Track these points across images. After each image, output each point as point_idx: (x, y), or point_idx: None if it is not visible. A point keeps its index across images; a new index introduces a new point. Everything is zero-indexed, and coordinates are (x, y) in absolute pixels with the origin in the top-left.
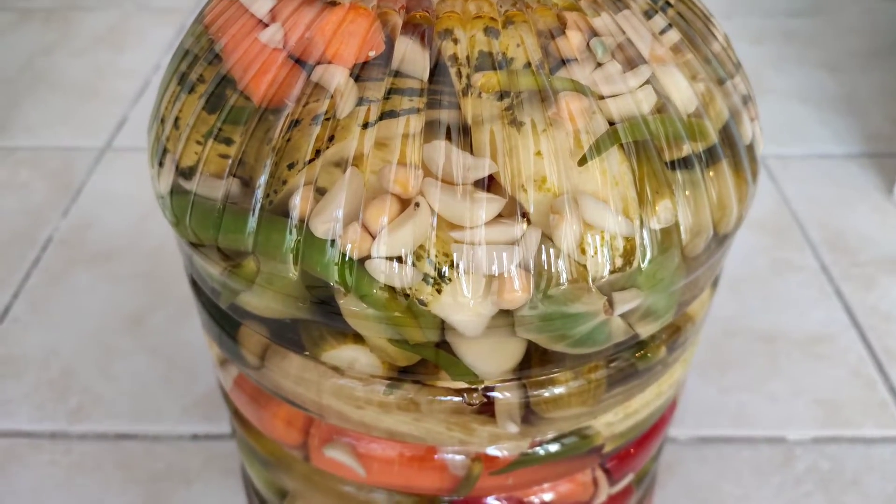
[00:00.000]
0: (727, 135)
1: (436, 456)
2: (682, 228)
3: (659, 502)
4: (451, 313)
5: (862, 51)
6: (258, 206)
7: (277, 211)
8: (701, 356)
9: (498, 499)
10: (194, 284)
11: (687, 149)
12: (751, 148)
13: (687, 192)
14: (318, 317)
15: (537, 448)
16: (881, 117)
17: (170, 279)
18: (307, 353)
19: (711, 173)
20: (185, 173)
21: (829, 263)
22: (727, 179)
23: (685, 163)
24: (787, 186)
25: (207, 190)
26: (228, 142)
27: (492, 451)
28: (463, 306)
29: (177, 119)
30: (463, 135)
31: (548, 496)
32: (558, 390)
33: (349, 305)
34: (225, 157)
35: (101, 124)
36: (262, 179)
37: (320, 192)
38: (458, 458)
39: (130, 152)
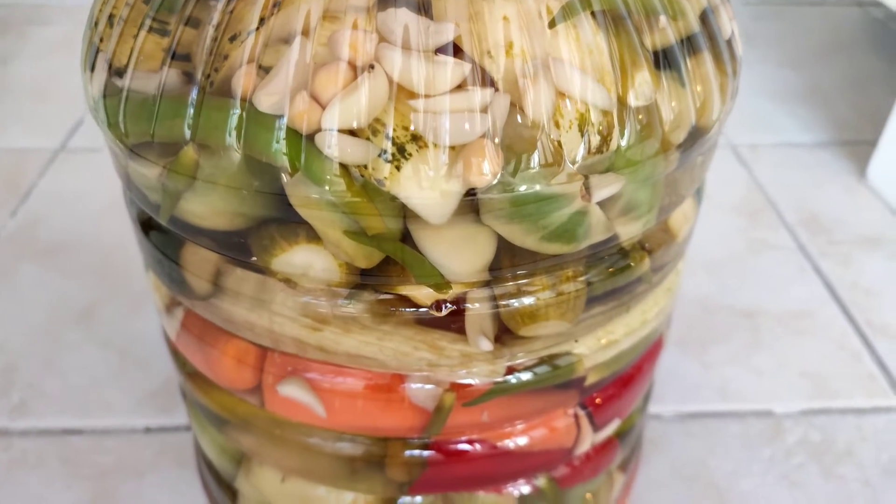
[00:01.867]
0: (707, 25)
1: (402, 385)
2: (662, 113)
3: (646, 479)
4: (412, 194)
5: (822, 48)
6: (196, 87)
7: (218, 92)
8: (682, 332)
9: (471, 443)
10: (138, 219)
11: (664, 23)
12: (731, 44)
13: (668, 80)
14: (266, 211)
15: (513, 376)
16: (847, 107)
17: (122, 273)
18: (256, 259)
19: (692, 63)
20: (119, 71)
21: (805, 242)
22: (708, 70)
23: (666, 53)
24: (759, 172)
25: (142, 84)
26: (164, 32)
27: (464, 380)
28: (425, 185)
29: (111, 16)
30: (423, 8)
31: (527, 440)
32: (533, 300)
33: (299, 191)
34: (161, 47)
35: (55, 126)
36: (202, 57)
37: (265, 69)
38: (428, 387)
39: (85, 153)
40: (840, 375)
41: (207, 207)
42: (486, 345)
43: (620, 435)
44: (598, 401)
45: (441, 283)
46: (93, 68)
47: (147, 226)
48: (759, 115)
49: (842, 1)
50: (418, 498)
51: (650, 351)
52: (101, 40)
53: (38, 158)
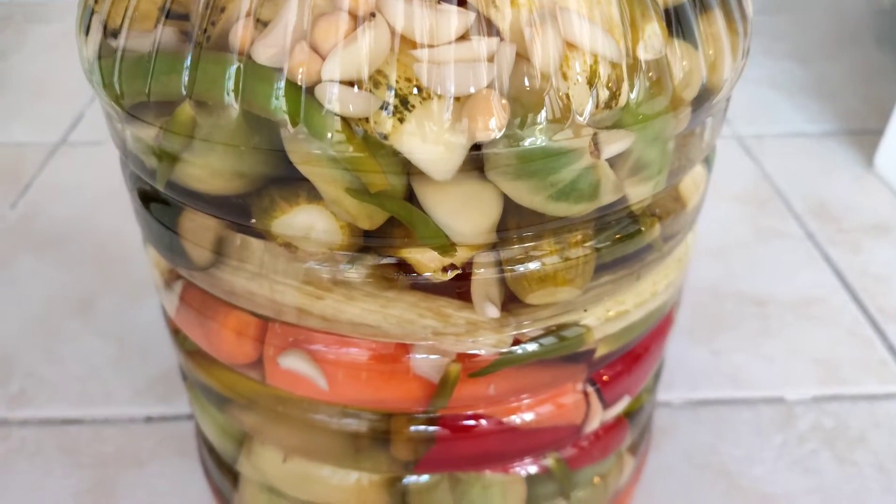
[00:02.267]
0: None
1: (407, 356)
2: (672, 70)
3: (656, 466)
4: (415, 148)
5: (827, 41)
6: (193, 42)
7: (215, 46)
8: (690, 319)
9: (478, 418)
10: (137, 190)
11: None
12: (741, 3)
13: (678, 37)
14: (266, 169)
15: (520, 347)
16: (853, 97)
17: (121, 264)
18: (256, 222)
19: (703, 21)
20: (115, 32)
21: (814, 230)
22: (719, 28)
23: (676, 11)
24: (766, 162)
25: (137, 43)
26: None
27: (470, 350)
28: (429, 138)
29: None
30: None
31: (535, 416)
32: (540, 265)
33: (299, 146)
34: (156, 6)
35: (55, 121)
36: (198, 11)
37: (263, 23)
38: (433, 357)
39: (85, 147)
40: (852, 362)
41: (205, 169)
42: (493, 311)
43: (630, 414)
44: (606, 377)
45: (446, 244)
46: (87, 31)
47: (145, 197)
48: (764, 107)
49: None
50: (424, 477)
51: (660, 326)
52: (96, 2)
53: (38, 152)
